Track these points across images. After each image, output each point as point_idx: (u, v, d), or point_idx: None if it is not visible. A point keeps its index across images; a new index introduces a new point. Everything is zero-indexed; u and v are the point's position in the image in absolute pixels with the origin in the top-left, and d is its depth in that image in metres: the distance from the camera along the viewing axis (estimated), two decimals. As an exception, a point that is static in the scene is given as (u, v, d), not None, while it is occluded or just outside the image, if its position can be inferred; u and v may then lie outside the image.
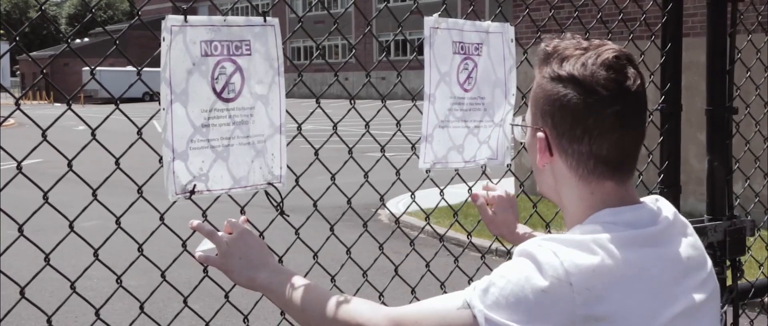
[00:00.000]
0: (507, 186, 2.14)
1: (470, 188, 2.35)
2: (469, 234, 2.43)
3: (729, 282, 2.51)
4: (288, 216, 1.82)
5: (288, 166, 1.81)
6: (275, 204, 1.78)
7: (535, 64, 1.48)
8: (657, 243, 1.41)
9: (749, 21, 2.94)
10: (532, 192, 6.29)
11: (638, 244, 1.38)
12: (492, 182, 2.06)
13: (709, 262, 1.53)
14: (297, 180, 1.97)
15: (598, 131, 1.39)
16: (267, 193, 1.79)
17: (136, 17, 1.65)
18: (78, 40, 61.33)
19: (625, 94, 1.38)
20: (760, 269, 2.96)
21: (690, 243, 1.48)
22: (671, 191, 2.42)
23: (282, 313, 2.05)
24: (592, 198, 1.44)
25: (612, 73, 1.38)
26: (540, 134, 1.44)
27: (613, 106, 1.38)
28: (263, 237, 1.95)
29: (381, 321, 1.42)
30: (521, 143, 1.60)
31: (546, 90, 1.42)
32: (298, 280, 1.54)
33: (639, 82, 1.40)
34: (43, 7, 1.66)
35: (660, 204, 1.49)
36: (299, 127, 1.98)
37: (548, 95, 1.42)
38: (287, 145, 1.81)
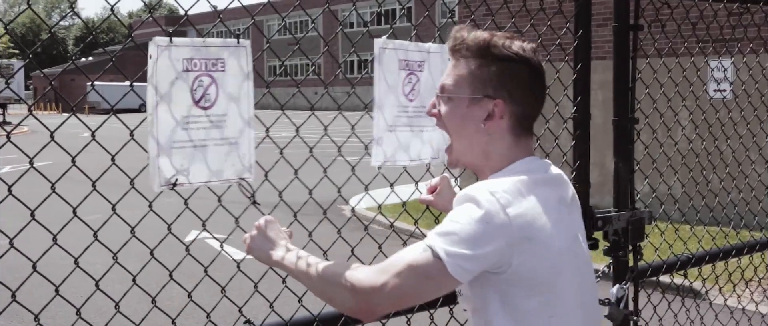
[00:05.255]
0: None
1: (417, 183, 2.41)
2: (416, 222, 2.49)
3: (631, 263, 2.57)
4: (259, 204, 1.86)
5: (257, 162, 1.84)
6: (248, 195, 1.81)
7: (461, 53, 1.61)
8: (554, 185, 1.62)
9: (647, 47, 3.04)
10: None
11: (545, 184, 1.58)
12: (433, 177, 2.14)
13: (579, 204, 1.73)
14: (266, 175, 1.99)
15: (532, 97, 1.61)
16: (241, 187, 1.82)
17: (130, 39, 1.68)
18: (83, 59, 60.38)
19: (542, 69, 1.63)
20: (656, 252, 3.04)
21: (571, 189, 1.68)
22: (582, 187, 2.46)
23: (240, 310, 2.05)
24: (517, 150, 1.61)
25: (537, 55, 1.61)
26: (497, 102, 1.58)
27: (540, 78, 1.62)
28: (238, 224, 1.98)
29: (362, 276, 1.47)
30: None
31: (499, 68, 1.57)
32: (302, 253, 1.61)
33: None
34: (52, 30, 1.67)
35: (544, 159, 1.68)
36: (267, 131, 2.02)
37: (502, 72, 1.57)
38: (256, 147, 1.84)
